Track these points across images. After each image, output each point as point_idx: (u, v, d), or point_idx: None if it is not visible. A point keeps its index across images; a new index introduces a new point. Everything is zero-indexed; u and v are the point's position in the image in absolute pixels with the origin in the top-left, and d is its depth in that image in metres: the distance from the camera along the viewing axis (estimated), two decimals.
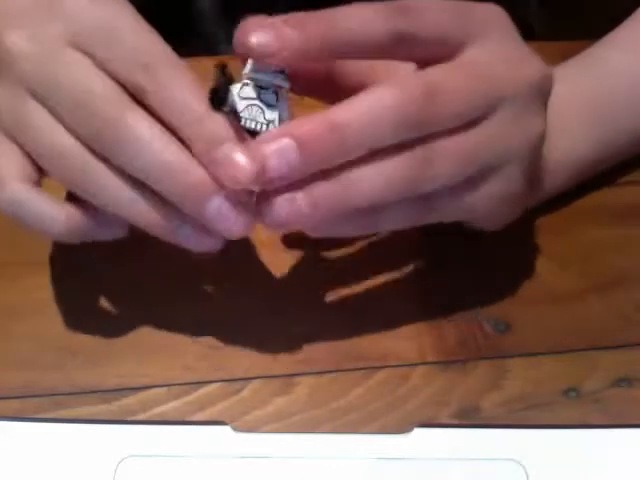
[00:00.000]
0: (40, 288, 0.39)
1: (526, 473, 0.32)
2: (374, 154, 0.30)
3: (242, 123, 0.30)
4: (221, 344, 0.37)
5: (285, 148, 0.29)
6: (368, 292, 0.39)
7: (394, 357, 0.37)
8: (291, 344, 0.38)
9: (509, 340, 0.38)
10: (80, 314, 0.38)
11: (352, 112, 0.30)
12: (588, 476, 0.33)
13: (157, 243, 0.33)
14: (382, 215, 0.32)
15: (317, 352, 0.37)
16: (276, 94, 0.31)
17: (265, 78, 0.31)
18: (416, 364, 0.37)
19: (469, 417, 0.35)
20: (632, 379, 0.37)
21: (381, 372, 0.36)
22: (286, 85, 0.31)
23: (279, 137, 0.29)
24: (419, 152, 0.31)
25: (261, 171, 0.29)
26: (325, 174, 0.30)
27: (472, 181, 0.33)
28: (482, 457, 0.33)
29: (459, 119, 0.31)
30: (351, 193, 0.30)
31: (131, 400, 0.35)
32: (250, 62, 0.31)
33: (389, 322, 0.38)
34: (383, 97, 0.30)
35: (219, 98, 0.30)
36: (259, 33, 0.29)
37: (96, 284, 0.40)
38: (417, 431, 0.34)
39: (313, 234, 0.32)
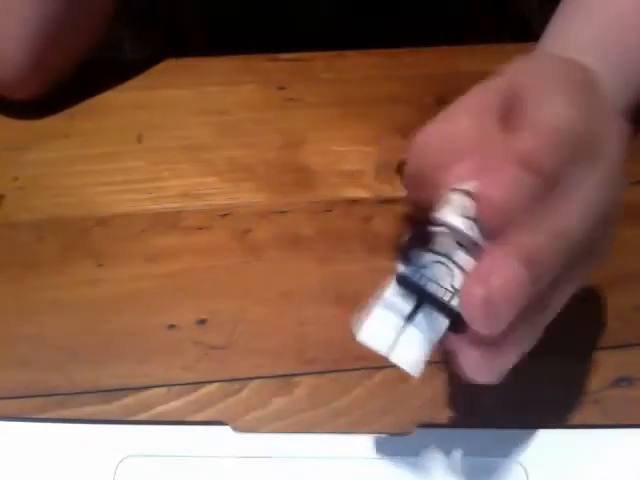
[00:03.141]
0: (40, 288, 0.39)
1: (526, 473, 0.32)
2: None
3: (422, 283, 0.28)
4: (221, 344, 0.38)
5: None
6: (369, 292, 0.39)
7: None
8: (291, 344, 0.38)
9: None
10: (80, 314, 0.38)
11: None
12: (588, 476, 0.33)
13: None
14: None
15: (317, 352, 0.37)
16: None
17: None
18: None
19: (469, 417, 0.35)
20: (632, 379, 0.37)
21: (381, 372, 0.36)
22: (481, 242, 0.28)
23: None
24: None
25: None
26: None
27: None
28: (482, 457, 0.33)
29: None
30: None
31: (131, 400, 0.35)
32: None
33: None
34: None
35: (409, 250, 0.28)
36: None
37: (96, 284, 0.40)
38: (417, 431, 0.34)
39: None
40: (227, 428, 0.34)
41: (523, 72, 0.31)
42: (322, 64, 0.52)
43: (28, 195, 0.44)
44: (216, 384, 0.36)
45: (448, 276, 0.28)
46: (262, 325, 0.38)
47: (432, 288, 0.28)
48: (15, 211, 0.43)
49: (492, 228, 0.27)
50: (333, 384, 0.36)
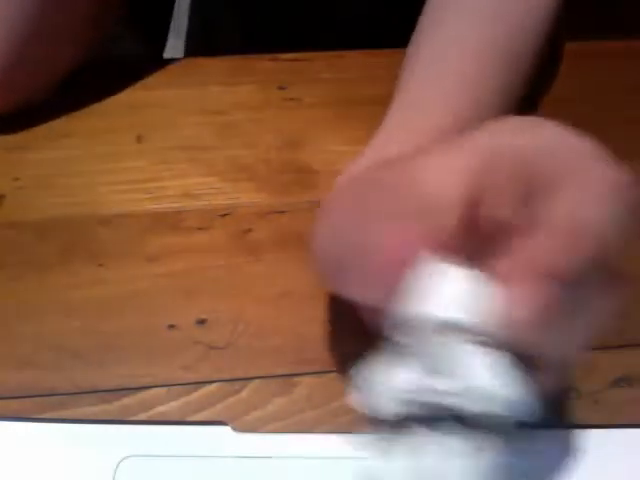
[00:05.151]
0: (41, 288, 0.39)
1: (526, 473, 0.32)
2: None
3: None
4: (221, 344, 0.38)
5: None
6: None
7: None
8: (291, 344, 0.38)
9: None
10: (80, 314, 0.38)
11: None
12: (588, 476, 0.33)
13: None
14: None
15: (317, 352, 0.37)
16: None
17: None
18: None
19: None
20: (632, 379, 0.37)
21: None
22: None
23: None
24: None
25: None
26: None
27: None
28: (482, 457, 0.33)
29: None
30: None
31: (131, 400, 0.35)
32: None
33: None
34: None
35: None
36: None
37: (96, 284, 0.40)
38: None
39: None
40: (227, 428, 0.34)
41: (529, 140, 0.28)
42: (322, 64, 0.52)
43: (28, 195, 0.44)
44: (216, 384, 0.36)
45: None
46: (262, 325, 0.38)
47: None
48: (15, 211, 0.43)
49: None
50: (333, 384, 0.36)
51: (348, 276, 0.30)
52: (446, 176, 0.28)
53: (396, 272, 0.27)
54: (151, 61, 0.53)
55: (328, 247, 0.31)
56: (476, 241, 0.28)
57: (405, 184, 0.29)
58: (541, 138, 0.28)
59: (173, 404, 0.35)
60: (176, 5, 0.71)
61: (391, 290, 0.27)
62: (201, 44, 0.70)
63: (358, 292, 0.30)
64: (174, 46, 0.71)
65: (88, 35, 0.49)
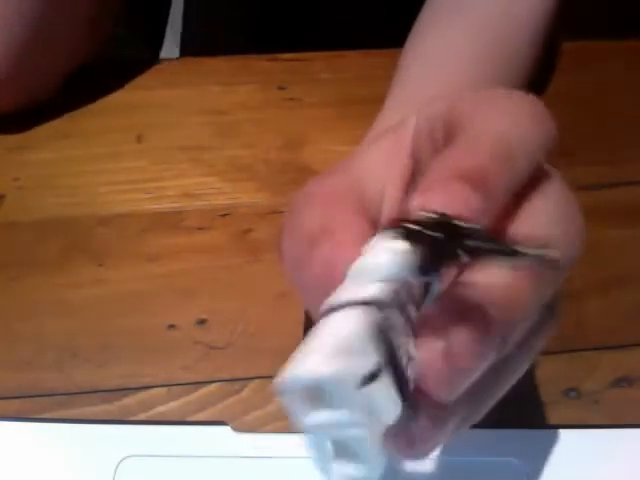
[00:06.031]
0: (40, 288, 0.39)
1: (526, 473, 0.32)
2: None
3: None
4: (221, 344, 0.38)
5: None
6: None
7: None
8: (291, 344, 0.38)
9: None
10: (80, 314, 0.38)
11: None
12: (588, 476, 0.33)
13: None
14: None
15: None
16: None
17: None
18: None
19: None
20: (632, 379, 0.37)
21: None
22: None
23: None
24: None
25: None
26: None
27: None
28: (482, 457, 0.33)
29: None
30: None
31: (131, 400, 0.35)
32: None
33: None
34: None
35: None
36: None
37: (96, 284, 0.40)
38: None
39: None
40: (227, 428, 0.34)
41: (460, 99, 0.27)
42: (322, 64, 0.52)
43: (28, 195, 0.44)
44: (216, 384, 0.36)
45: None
46: (262, 325, 0.38)
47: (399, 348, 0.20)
48: (15, 211, 0.43)
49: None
50: None
51: (299, 279, 0.28)
52: (378, 168, 0.28)
53: (328, 281, 0.24)
54: (151, 61, 0.53)
55: (286, 247, 0.30)
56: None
57: (340, 172, 0.29)
58: (445, 100, 0.27)
59: (173, 404, 0.35)
60: (172, 5, 0.71)
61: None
62: (196, 44, 0.69)
63: (303, 297, 0.28)
64: (170, 46, 0.71)
65: (87, 36, 0.49)
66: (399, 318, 0.21)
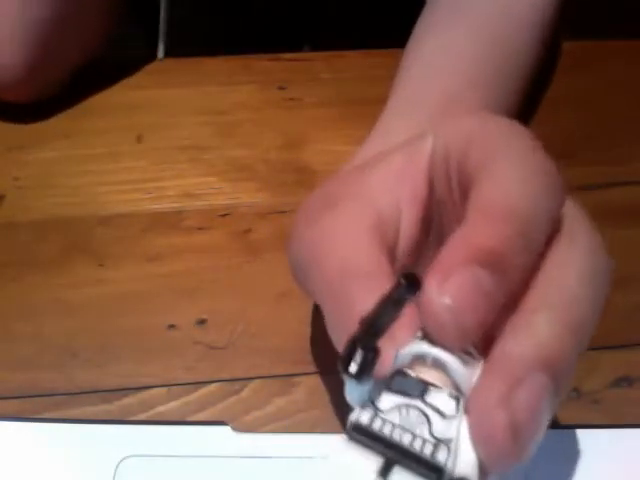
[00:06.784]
0: (40, 288, 0.39)
1: (526, 473, 0.32)
2: None
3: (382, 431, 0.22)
4: (221, 344, 0.38)
5: None
6: None
7: None
8: (291, 344, 0.38)
9: None
10: (80, 314, 0.38)
11: None
12: (588, 476, 0.33)
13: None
14: None
15: (317, 352, 0.37)
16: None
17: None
18: None
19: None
20: (632, 379, 0.37)
21: None
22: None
23: None
24: None
25: None
26: None
27: None
28: None
29: None
30: None
31: (131, 400, 0.35)
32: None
33: None
34: None
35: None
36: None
37: (96, 284, 0.40)
38: None
39: None
40: (227, 428, 0.34)
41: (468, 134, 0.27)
42: (322, 64, 0.52)
43: (28, 195, 0.44)
44: (216, 384, 0.36)
45: (421, 423, 0.21)
46: (262, 325, 0.38)
47: (406, 440, 0.21)
48: (15, 211, 0.43)
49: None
50: (333, 384, 0.36)
51: (307, 281, 0.29)
52: (390, 184, 0.28)
53: (343, 288, 0.26)
54: (151, 61, 0.53)
55: (293, 249, 0.31)
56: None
57: (353, 196, 0.29)
58: (461, 129, 0.27)
59: (173, 404, 0.35)
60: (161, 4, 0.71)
61: (337, 305, 0.26)
62: (175, 44, 0.70)
63: (315, 299, 0.29)
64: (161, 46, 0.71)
65: (99, 29, 0.50)
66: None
